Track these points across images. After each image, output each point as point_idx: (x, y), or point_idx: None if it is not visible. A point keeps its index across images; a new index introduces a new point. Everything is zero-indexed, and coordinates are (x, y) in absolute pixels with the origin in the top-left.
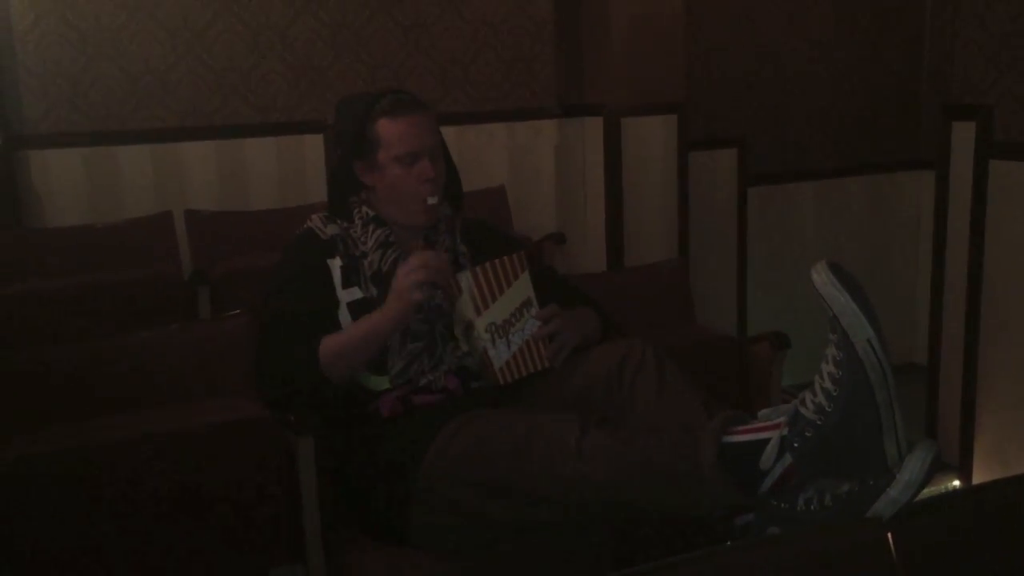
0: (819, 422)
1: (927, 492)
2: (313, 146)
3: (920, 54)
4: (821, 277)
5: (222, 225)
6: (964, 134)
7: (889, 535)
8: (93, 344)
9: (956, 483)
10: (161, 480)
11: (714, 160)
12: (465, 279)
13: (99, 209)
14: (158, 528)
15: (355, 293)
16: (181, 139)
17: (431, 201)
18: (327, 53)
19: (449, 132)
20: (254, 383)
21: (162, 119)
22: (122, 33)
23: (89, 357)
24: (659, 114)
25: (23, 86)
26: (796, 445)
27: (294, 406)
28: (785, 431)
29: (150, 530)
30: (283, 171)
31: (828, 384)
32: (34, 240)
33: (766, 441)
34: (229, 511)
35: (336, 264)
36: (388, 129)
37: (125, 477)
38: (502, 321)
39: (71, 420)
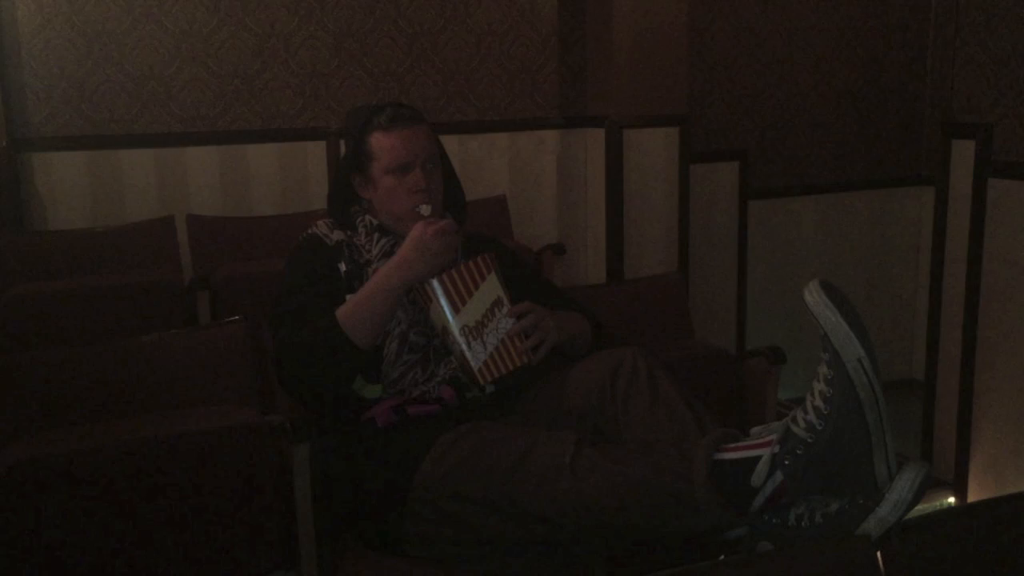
0: (810, 440)
1: (919, 509)
2: (316, 153)
3: (922, 72)
4: (813, 296)
5: (223, 230)
6: (964, 152)
7: (878, 553)
8: (92, 348)
9: (951, 500)
10: (155, 485)
11: (715, 173)
12: (434, 285)
13: (101, 212)
14: (151, 533)
15: None
16: (184, 144)
17: (424, 211)
18: (331, 61)
19: (451, 141)
20: (276, 380)
21: (166, 124)
22: (127, 38)
23: (88, 361)
24: (661, 126)
25: (28, 89)
26: (787, 463)
27: (325, 387)
28: (776, 448)
29: (143, 535)
30: (285, 177)
31: (819, 402)
32: (36, 242)
33: (757, 458)
34: (223, 517)
35: (341, 269)
36: (380, 142)
37: (120, 482)
38: (475, 323)
39: (69, 423)
